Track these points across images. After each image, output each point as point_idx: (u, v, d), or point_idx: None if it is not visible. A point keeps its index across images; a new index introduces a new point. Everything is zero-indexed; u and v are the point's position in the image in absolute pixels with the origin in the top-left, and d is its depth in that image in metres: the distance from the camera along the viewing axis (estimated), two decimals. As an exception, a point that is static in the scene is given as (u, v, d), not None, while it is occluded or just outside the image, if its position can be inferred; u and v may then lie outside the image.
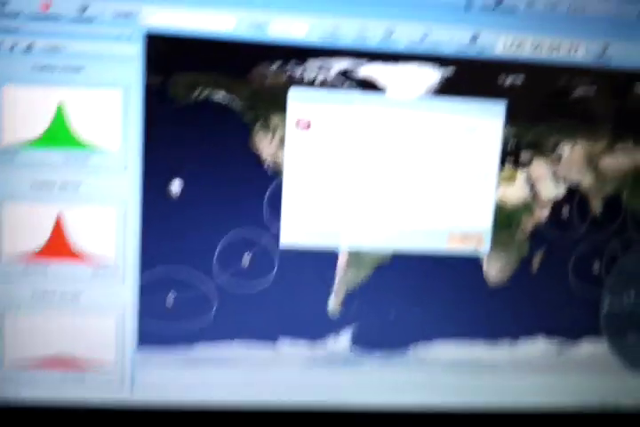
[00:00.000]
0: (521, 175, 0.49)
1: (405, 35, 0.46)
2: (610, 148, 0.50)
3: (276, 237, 0.48)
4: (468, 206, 0.50)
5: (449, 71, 0.47)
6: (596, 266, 0.51)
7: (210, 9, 0.45)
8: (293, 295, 0.48)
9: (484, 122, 0.49)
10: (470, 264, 0.51)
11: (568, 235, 0.50)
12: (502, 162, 0.49)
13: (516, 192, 0.50)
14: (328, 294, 0.49)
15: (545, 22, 0.48)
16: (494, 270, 0.51)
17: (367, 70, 0.46)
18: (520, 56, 0.48)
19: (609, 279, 0.51)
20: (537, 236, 0.50)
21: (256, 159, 0.47)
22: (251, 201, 0.47)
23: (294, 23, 0.47)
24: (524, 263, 0.51)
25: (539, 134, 0.49)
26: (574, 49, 0.48)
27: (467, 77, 0.47)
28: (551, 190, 0.50)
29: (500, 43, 0.47)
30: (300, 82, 0.46)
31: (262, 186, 0.47)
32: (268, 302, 0.48)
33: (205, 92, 0.45)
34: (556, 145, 0.49)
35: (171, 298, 0.48)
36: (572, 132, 0.49)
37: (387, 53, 0.46)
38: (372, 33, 0.45)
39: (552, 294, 0.51)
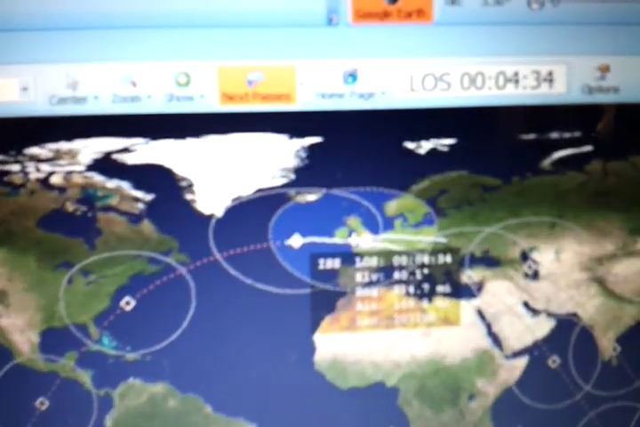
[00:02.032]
0: (468, 311, 0.35)
1: (205, 80, 0.30)
2: (626, 246, 0.36)
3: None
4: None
5: (306, 142, 0.32)
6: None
7: None
8: None
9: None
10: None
11: (562, 402, 0.36)
12: (430, 292, 0.34)
13: (461, 340, 0.35)
14: None
15: (485, 34, 0.32)
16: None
17: (149, 153, 0.32)
18: (445, 100, 0.33)
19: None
20: (506, 410, 0.36)
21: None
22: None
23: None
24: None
25: (492, 240, 0.35)
26: (547, 78, 0.33)
27: (342, 151, 0.33)
28: (524, 331, 0.35)
29: (403, 79, 0.32)
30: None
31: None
32: None
33: None
34: (525, 255, 0.35)
35: None
36: (553, 230, 0.35)
37: (188, 116, 0.31)
38: (153, 81, 0.30)
39: None
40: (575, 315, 0.36)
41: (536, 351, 0.35)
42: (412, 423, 0.34)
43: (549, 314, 0.35)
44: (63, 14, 0.28)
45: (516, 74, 0.32)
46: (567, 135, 0.34)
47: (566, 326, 0.36)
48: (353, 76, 0.31)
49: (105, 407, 0.32)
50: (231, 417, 0.33)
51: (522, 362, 0.35)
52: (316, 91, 0.31)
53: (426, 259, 0.34)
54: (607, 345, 0.36)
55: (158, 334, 0.32)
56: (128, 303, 0.32)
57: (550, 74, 0.32)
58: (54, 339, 0.31)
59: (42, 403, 0.31)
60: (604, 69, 0.33)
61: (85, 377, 0.32)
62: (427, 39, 0.31)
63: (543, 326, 0.35)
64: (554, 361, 0.35)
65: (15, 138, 0.30)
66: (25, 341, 0.31)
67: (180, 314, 0.32)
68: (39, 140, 0.30)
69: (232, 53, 0.30)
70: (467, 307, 0.34)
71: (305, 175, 0.32)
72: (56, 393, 0.31)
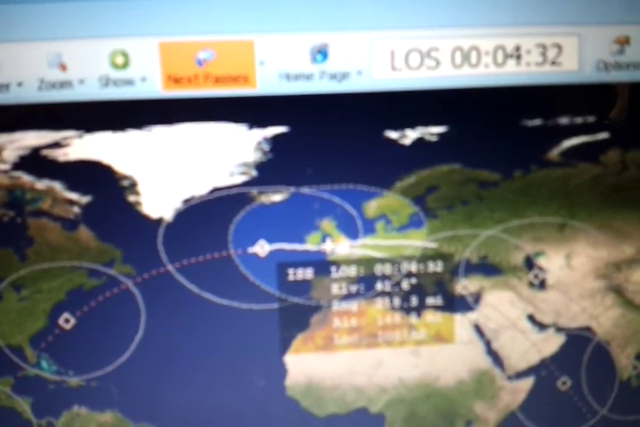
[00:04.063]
0: (464, 326, 0.33)
1: (146, 59, 0.29)
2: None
3: None
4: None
5: (269, 133, 0.31)
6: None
7: None
8: None
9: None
10: None
11: None
12: (419, 306, 0.33)
13: (456, 359, 0.33)
14: None
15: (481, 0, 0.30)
16: None
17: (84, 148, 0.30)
18: (433, 80, 0.31)
19: None
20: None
21: None
22: None
23: None
24: None
25: (491, 244, 0.33)
26: (554, 53, 0.31)
27: (312, 143, 0.31)
28: (530, 349, 0.34)
29: (383, 55, 0.30)
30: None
31: None
32: None
33: None
34: (530, 261, 0.34)
35: None
36: (562, 232, 0.34)
37: (128, 104, 0.30)
38: (85, 62, 0.28)
39: None
40: (589, 329, 0.34)
41: (543, 371, 0.33)
42: (400, 454, 0.32)
43: (559, 329, 0.34)
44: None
45: (518, 48, 0.30)
46: (579, 121, 0.32)
47: (578, 342, 0.34)
48: (323, 52, 0.29)
49: (47, 439, 0.31)
50: (190, 449, 0.31)
51: (527, 384, 0.33)
52: (278, 71, 0.28)
53: (413, 267, 0.32)
54: (626, 363, 0.34)
55: (104, 356, 0.30)
56: (67, 322, 0.30)
57: (559, 48, 0.30)
58: (-15, 363, 0.30)
59: (-25, 435, 0.30)
60: (623, 42, 0.31)
61: (24, 405, 0.31)
62: (410, 7, 0.28)
63: (551, 343, 0.34)
64: (564, 382, 0.33)
65: None
66: (-48, 365, 0.30)
67: (128, 333, 0.30)
68: (-47, 135, 0.27)
69: (177, 27, 0.27)
70: (462, 322, 0.33)
71: (269, 172, 0.31)
72: (-9, 423, 0.30)
